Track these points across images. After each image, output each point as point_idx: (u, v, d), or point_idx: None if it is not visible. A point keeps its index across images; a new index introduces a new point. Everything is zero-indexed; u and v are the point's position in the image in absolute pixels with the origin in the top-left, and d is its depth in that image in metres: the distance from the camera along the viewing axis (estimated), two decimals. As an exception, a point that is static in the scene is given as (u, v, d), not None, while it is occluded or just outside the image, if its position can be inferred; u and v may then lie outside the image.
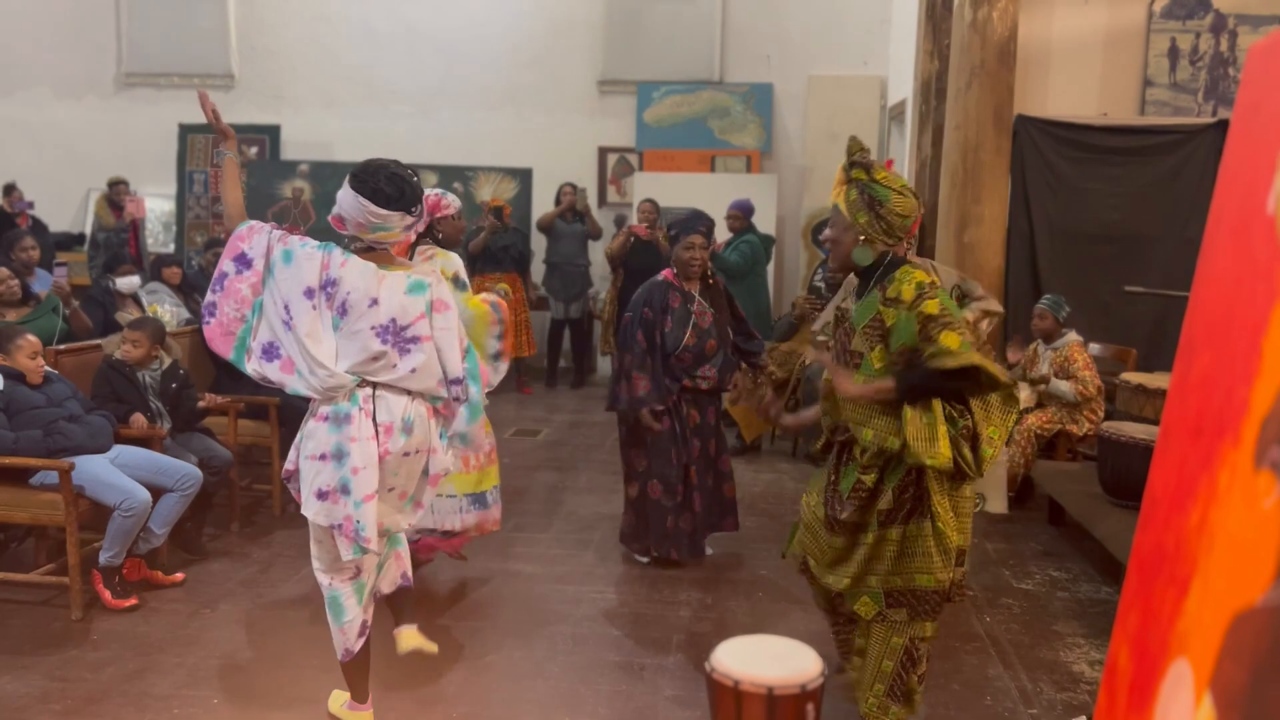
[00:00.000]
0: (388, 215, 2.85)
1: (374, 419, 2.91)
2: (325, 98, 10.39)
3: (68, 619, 3.93)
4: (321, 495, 2.91)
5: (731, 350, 4.65)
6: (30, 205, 9.00)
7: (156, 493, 4.12)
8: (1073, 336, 5.64)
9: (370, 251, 2.95)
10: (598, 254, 9.15)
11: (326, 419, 2.90)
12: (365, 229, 2.88)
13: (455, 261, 4.24)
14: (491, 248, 8.51)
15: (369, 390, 2.92)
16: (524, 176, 9.73)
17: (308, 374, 2.85)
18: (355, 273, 2.86)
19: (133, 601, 4.04)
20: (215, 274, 2.88)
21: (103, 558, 4.03)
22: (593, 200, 9.86)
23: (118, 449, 4.21)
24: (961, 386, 2.75)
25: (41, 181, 9.82)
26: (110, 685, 3.43)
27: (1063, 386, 5.54)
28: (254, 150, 10.12)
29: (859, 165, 2.88)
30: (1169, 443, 1.13)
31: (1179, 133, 6.53)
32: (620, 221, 9.02)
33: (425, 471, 3.08)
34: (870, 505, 2.90)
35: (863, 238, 2.85)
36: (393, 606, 3.31)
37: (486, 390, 3.85)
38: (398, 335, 2.90)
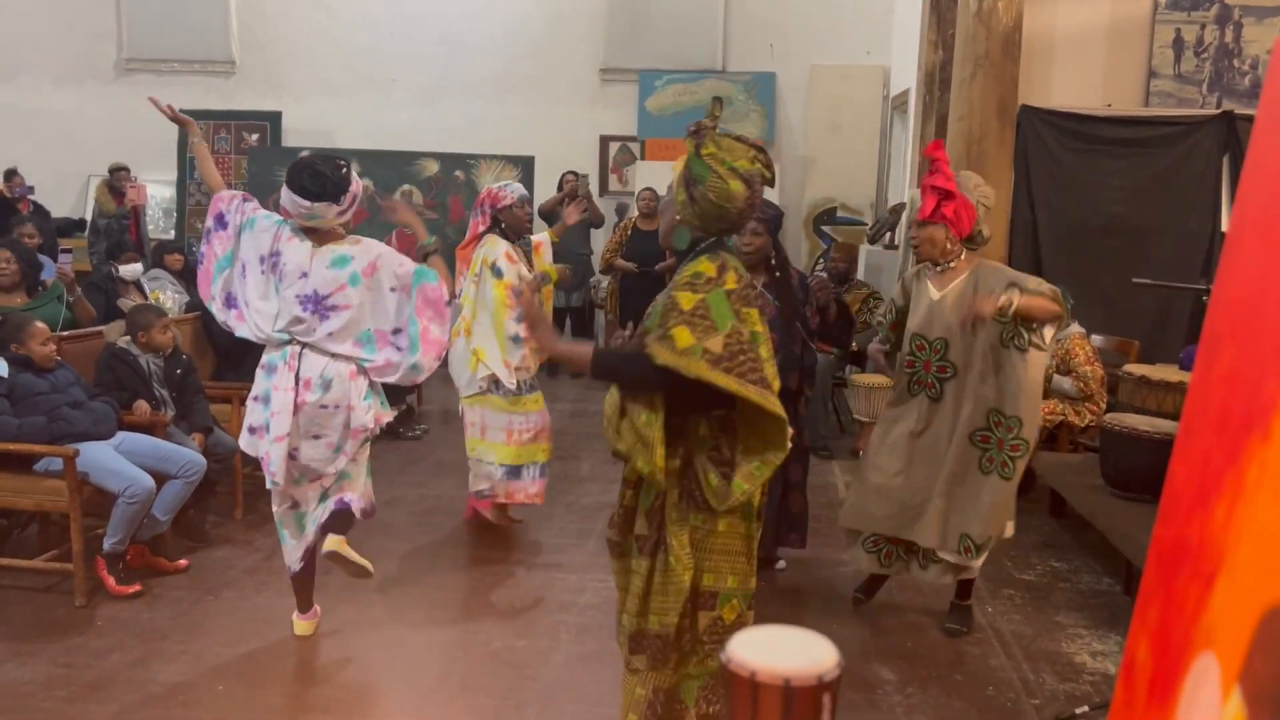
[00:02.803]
0: (312, 207, 3.35)
1: (297, 374, 3.41)
2: (326, 85, 10.36)
3: (72, 605, 3.93)
4: (252, 430, 3.51)
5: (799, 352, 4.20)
6: (31, 190, 8.97)
7: (160, 479, 4.12)
8: (1075, 329, 5.63)
9: (313, 232, 3.44)
10: (599, 243, 9.14)
11: (263, 368, 3.48)
12: (302, 218, 3.40)
13: (495, 250, 4.62)
14: (492, 235, 8.47)
15: (297, 349, 3.43)
16: (525, 164, 9.71)
17: (253, 326, 3.44)
18: (293, 248, 3.42)
19: (136, 588, 4.04)
20: (204, 229, 3.55)
21: (106, 544, 4.02)
22: (594, 189, 9.85)
23: (121, 436, 4.20)
24: (662, 392, 2.32)
25: (42, 167, 9.79)
26: (115, 672, 3.43)
27: (1065, 384, 5.53)
28: (254, 137, 10.09)
29: (693, 133, 2.43)
30: (1191, 437, 1.13)
31: (1183, 124, 6.51)
32: (622, 210, 9.01)
33: (349, 425, 3.50)
34: (629, 526, 2.56)
35: (678, 218, 2.45)
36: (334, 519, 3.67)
37: (512, 368, 4.57)
38: (318, 304, 3.40)
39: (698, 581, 2.48)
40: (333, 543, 3.62)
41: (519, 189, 4.75)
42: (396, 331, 3.48)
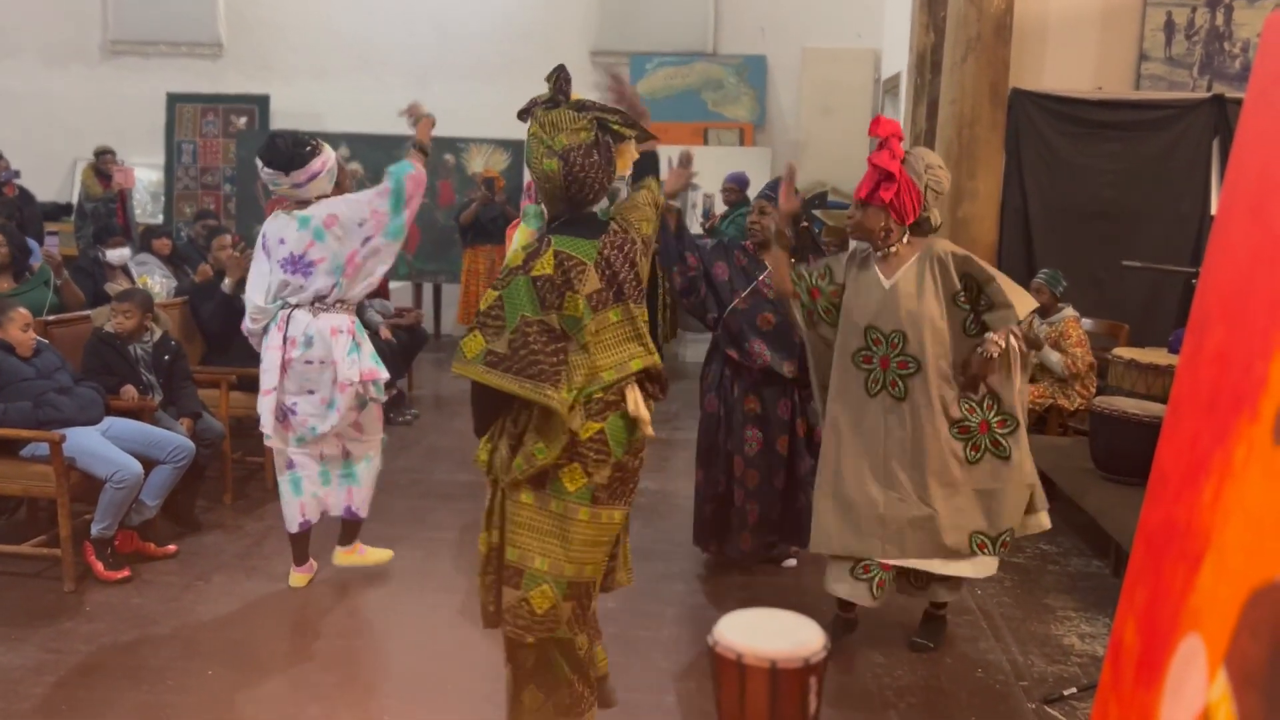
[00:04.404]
0: (262, 170, 3.75)
1: (285, 334, 3.76)
2: (316, 68, 10.28)
3: (61, 591, 3.91)
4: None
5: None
6: (17, 174, 8.88)
7: (148, 464, 4.10)
8: (1069, 312, 5.63)
9: (299, 205, 3.80)
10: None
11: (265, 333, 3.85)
12: (269, 185, 3.81)
13: None
14: (481, 219, 8.48)
15: (287, 311, 3.78)
16: (516, 148, 9.67)
17: (247, 319, 3.85)
18: (272, 224, 3.82)
19: (125, 573, 4.03)
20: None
21: (94, 529, 4.01)
22: (585, 173, 9.82)
23: (109, 421, 4.18)
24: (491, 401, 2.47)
25: (27, 151, 9.68)
26: (104, 657, 3.42)
27: (1053, 357, 5.53)
28: (243, 120, 10.02)
29: (523, 112, 2.51)
30: (1179, 418, 1.13)
31: (1174, 108, 6.50)
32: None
33: (336, 380, 3.81)
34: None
35: (531, 198, 2.61)
36: (342, 529, 4.11)
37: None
38: (297, 264, 3.75)
39: (502, 552, 2.57)
40: (341, 558, 4.07)
41: None
42: (361, 223, 3.82)
